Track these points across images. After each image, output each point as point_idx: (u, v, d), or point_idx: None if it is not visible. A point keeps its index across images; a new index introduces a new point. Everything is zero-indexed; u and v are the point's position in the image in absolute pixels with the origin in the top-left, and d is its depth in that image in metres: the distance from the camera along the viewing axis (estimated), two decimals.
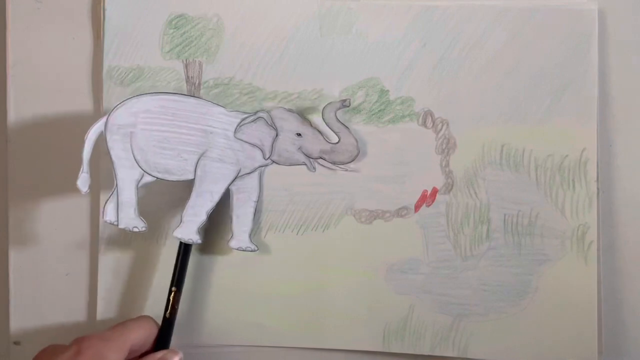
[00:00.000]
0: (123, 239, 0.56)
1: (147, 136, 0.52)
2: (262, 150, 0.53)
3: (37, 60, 0.57)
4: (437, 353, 0.54)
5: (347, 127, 0.53)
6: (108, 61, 0.56)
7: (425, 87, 0.55)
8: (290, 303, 0.55)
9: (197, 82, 0.56)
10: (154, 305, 0.56)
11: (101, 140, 0.53)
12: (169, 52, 0.56)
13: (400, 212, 0.55)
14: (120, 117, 0.52)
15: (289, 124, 0.53)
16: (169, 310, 0.52)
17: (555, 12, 0.54)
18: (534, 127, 0.54)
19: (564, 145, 0.54)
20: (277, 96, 0.55)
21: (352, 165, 0.53)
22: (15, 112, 0.57)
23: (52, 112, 0.57)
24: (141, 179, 0.53)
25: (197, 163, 0.52)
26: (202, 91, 0.56)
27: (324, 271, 0.55)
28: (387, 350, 0.54)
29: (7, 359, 0.57)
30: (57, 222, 0.57)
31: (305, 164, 0.53)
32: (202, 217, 0.53)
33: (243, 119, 0.53)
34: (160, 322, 0.53)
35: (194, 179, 0.52)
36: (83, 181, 0.52)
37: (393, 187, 0.55)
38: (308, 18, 0.55)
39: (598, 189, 0.54)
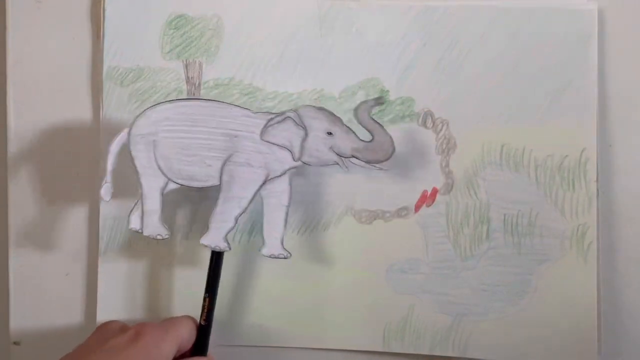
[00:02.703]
0: (123, 240, 0.56)
1: (170, 144, 0.51)
2: (291, 152, 0.50)
3: (37, 60, 0.57)
4: (436, 353, 0.54)
5: (381, 125, 0.50)
6: (108, 61, 0.56)
7: (425, 87, 0.55)
8: (290, 303, 0.55)
9: (197, 83, 0.56)
10: (154, 305, 0.56)
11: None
12: (169, 52, 0.56)
13: (400, 212, 0.55)
14: (142, 127, 0.51)
15: (319, 123, 0.50)
16: (203, 317, 0.52)
17: (555, 12, 0.54)
18: (533, 127, 0.54)
19: (563, 145, 0.54)
20: (277, 96, 0.55)
21: (386, 163, 0.51)
22: (15, 112, 0.57)
23: (52, 112, 0.57)
24: (166, 186, 0.52)
25: (223, 168, 0.51)
26: (202, 91, 0.56)
27: (324, 271, 0.55)
28: (387, 350, 0.54)
29: (7, 359, 0.57)
30: (56, 222, 0.57)
31: (338, 164, 0.51)
32: (230, 224, 0.51)
33: (269, 120, 0.50)
34: None
35: (220, 184, 0.51)
36: (106, 190, 0.52)
37: (393, 187, 0.55)
38: (308, 18, 0.55)
39: (597, 189, 0.54)
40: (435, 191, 0.55)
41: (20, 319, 0.57)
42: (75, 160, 0.57)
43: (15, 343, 0.57)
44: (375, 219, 0.55)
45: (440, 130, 0.55)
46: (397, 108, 0.55)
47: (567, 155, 0.54)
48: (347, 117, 0.54)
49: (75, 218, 0.57)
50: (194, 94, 0.56)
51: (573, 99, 0.54)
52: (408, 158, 0.55)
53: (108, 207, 0.56)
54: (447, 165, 0.55)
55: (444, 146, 0.55)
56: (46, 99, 0.57)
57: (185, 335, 0.50)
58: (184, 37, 0.56)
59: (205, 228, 0.51)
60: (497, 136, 0.54)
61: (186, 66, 0.56)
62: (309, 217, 0.55)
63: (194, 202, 0.55)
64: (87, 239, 0.57)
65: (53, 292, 0.57)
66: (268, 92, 0.55)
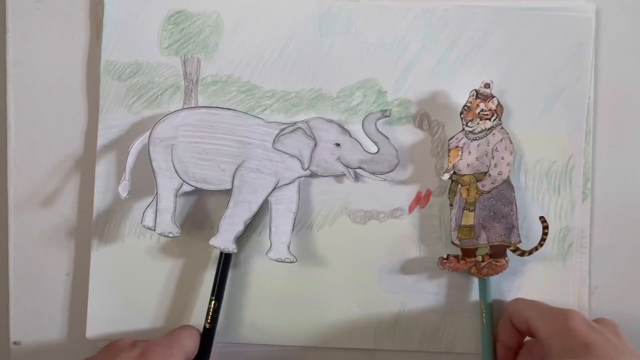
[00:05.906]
0: (116, 236, 0.56)
1: (187, 148, 0.52)
2: (300, 161, 0.53)
3: (37, 60, 0.56)
4: (425, 349, 0.56)
5: (387, 137, 0.52)
6: (106, 56, 0.55)
7: (422, 90, 0.55)
8: (284, 302, 0.56)
9: (195, 79, 0.55)
10: (151, 305, 0.56)
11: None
12: (167, 48, 0.55)
13: (395, 213, 0.56)
14: (162, 130, 0.53)
15: (328, 134, 0.53)
16: (208, 321, 0.53)
17: (552, 17, 0.55)
18: (526, 132, 0.55)
19: (552, 151, 0.55)
20: (275, 94, 0.55)
21: (391, 174, 0.53)
22: (15, 112, 0.56)
23: (52, 111, 0.56)
24: (180, 188, 0.53)
25: (235, 173, 0.52)
26: (199, 88, 0.55)
27: (318, 270, 0.56)
28: (378, 348, 0.56)
29: (7, 359, 0.56)
30: (57, 222, 0.56)
31: (344, 174, 0.53)
32: (240, 227, 0.53)
33: (281, 130, 0.52)
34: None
35: (232, 188, 0.53)
36: (124, 187, 0.53)
37: (388, 188, 0.55)
38: (307, 18, 0.55)
39: (585, 193, 0.55)
40: (429, 193, 0.56)
41: (20, 319, 0.57)
42: (74, 157, 0.56)
43: (15, 343, 0.57)
44: (369, 220, 0.56)
45: (436, 132, 0.56)
46: (394, 109, 0.55)
47: (555, 161, 0.55)
48: (345, 118, 0.55)
49: (76, 216, 0.56)
50: (191, 91, 0.55)
51: (565, 106, 0.55)
52: (403, 160, 0.55)
53: (103, 204, 0.55)
54: (442, 167, 0.56)
55: (439, 149, 0.56)
56: (46, 98, 0.56)
57: (190, 347, 0.51)
58: (182, 33, 0.55)
59: (214, 230, 0.53)
60: None
61: (184, 62, 0.55)
62: (304, 216, 0.55)
63: (197, 202, 0.56)
64: (87, 239, 0.56)
65: (53, 292, 0.57)
66: (266, 90, 0.55)
